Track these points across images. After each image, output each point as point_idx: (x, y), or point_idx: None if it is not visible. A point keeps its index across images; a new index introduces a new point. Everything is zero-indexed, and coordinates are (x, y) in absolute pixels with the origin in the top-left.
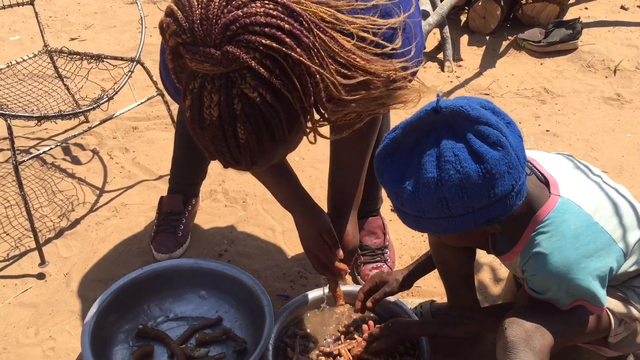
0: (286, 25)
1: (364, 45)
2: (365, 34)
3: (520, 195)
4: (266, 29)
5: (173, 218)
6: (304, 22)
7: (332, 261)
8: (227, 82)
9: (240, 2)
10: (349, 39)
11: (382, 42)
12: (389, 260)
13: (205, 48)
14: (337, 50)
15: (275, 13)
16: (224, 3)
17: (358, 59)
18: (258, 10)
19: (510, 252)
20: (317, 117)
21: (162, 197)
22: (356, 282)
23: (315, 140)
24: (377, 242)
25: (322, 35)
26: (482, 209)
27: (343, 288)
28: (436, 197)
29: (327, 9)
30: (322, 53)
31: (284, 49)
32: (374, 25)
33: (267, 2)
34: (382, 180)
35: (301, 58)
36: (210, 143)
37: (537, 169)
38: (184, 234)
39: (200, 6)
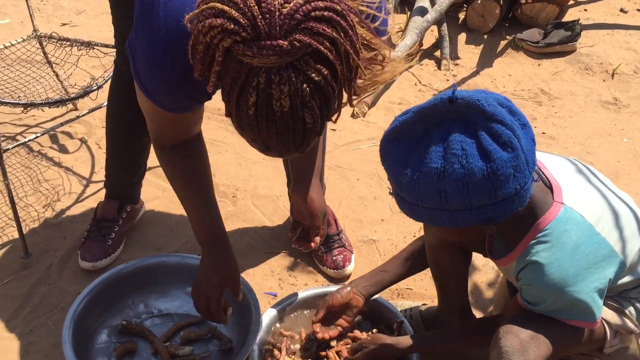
0: (337, 7)
1: (365, 20)
2: (363, 8)
3: (522, 200)
4: (325, 13)
5: (104, 225)
6: (343, 1)
7: (219, 311)
8: (294, 70)
9: None
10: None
11: (377, 14)
12: (346, 243)
13: (272, 41)
14: (359, 27)
15: None
16: None
17: (368, 35)
18: None
19: (506, 257)
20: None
21: (99, 203)
22: (322, 273)
23: (337, 119)
24: (331, 229)
25: (351, 14)
26: (481, 208)
27: (313, 291)
28: (436, 188)
29: None
30: (356, 29)
31: (340, 30)
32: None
33: None
34: (385, 161)
35: (352, 36)
36: (275, 135)
37: (542, 171)
38: (114, 243)
39: (256, 1)
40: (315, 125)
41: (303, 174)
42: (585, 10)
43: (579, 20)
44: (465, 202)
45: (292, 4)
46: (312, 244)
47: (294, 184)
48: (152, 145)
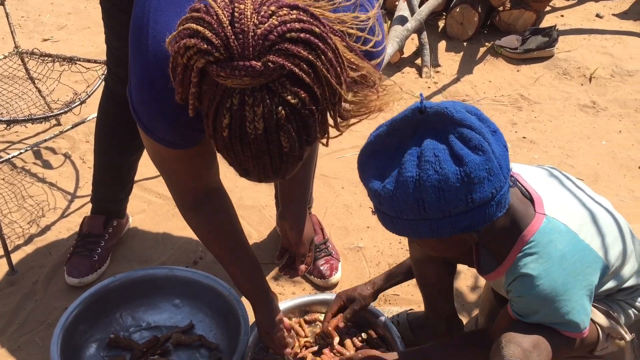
0: (316, 29)
1: (354, 43)
2: (353, 31)
3: (500, 206)
4: (302, 35)
5: (90, 240)
6: (324, 24)
7: (286, 344)
8: (268, 92)
9: (270, 11)
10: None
11: (368, 36)
12: (333, 252)
13: (245, 62)
14: (344, 49)
15: (305, 18)
16: (255, 15)
17: (354, 58)
18: (290, 17)
19: (495, 272)
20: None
21: (84, 217)
22: (310, 282)
23: (327, 142)
24: (318, 238)
25: (334, 36)
26: (459, 214)
27: (318, 297)
28: (414, 197)
29: (315, 9)
30: (339, 52)
31: (318, 52)
32: (358, 22)
33: (291, 8)
34: (363, 177)
35: (331, 58)
36: (251, 158)
37: (521, 184)
38: (100, 258)
39: (229, 22)
40: (292, 150)
41: (291, 200)
42: (562, 16)
43: (555, 26)
44: (442, 209)
45: (266, 25)
46: (298, 272)
47: (282, 210)
48: (138, 162)
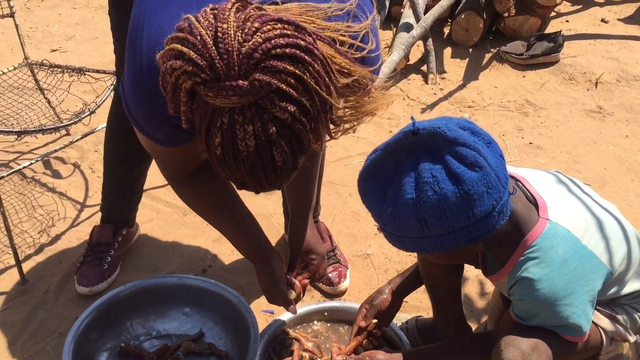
0: (301, 42)
1: (346, 50)
2: (344, 38)
3: (502, 214)
4: (287, 50)
5: (100, 249)
6: (310, 35)
7: (288, 300)
8: (257, 110)
9: (253, 28)
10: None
11: (361, 44)
12: (341, 259)
13: (231, 82)
14: (334, 57)
15: (289, 32)
16: (239, 33)
17: (346, 63)
18: (274, 32)
19: (497, 274)
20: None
21: (94, 227)
22: (318, 289)
23: (321, 147)
24: (326, 245)
25: (322, 44)
26: (463, 229)
27: (326, 305)
28: (415, 217)
29: (307, 18)
30: (328, 60)
31: (305, 65)
32: (350, 30)
33: (275, 23)
34: (365, 200)
35: (319, 70)
36: (246, 174)
37: (526, 188)
38: (110, 266)
39: (213, 42)
40: (286, 163)
41: (293, 210)
42: (567, 21)
43: (561, 31)
44: (445, 226)
45: (250, 43)
46: (293, 287)
47: (291, 223)
48: (147, 171)
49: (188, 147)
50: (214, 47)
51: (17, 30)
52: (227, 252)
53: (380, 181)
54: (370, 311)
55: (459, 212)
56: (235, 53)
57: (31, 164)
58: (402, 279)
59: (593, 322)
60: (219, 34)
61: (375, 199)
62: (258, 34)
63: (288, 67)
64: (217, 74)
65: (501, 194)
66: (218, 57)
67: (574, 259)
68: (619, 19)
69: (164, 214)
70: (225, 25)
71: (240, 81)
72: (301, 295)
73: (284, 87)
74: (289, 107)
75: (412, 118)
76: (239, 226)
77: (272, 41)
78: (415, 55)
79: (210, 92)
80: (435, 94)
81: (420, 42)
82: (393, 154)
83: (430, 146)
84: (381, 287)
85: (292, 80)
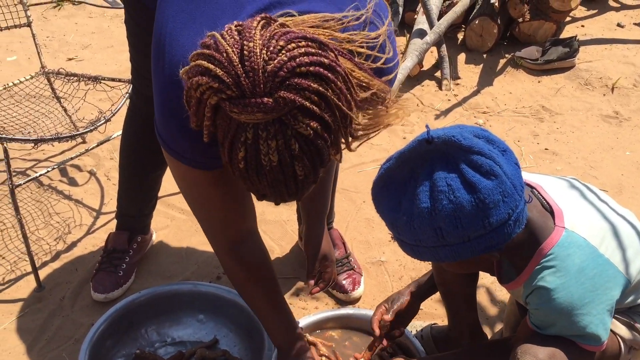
0: (325, 60)
1: (363, 61)
2: (362, 50)
3: (518, 223)
4: (311, 68)
5: (116, 256)
6: (332, 51)
7: None
8: (281, 126)
9: (278, 47)
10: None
11: (378, 54)
12: (355, 266)
13: (257, 99)
14: (353, 71)
15: (313, 50)
16: (264, 51)
17: (365, 77)
18: (299, 51)
19: (513, 282)
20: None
21: (109, 234)
22: (332, 296)
23: (340, 158)
24: (340, 252)
25: (342, 59)
26: (479, 238)
27: (340, 312)
28: (431, 226)
29: (324, 30)
30: (349, 76)
31: (328, 83)
32: (368, 39)
33: (299, 40)
34: (379, 209)
35: (341, 86)
36: (267, 187)
37: (542, 196)
38: (125, 273)
39: (239, 59)
40: (307, 177)
41: (308, 216)
42: (583, 26)
43: (576, 36)
44: (461, 235)
45: (276, 61)
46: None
47: (306, 231)
48: (161, 178)
49: (227, 183)
50: (239, 65)
51: (34, 39)
52: None
53: (394, 190)
54: (390, 308)
55: (474, 221)
56: (260, 71)
57: (48, 171)
58: (419, 284)
59: (611, 330)
60: (245, 51)
61: (389, 208)
62: (283, 52)
63: (312, 84)
64: (243, 91)
65: (517, 202)
66: (244, 75)
67: (591, 267)
68: (635, 24)
69: (178, 221)
70: (251, 44)
71: (266, 99)
72: None
73: (308, 104)
74: (311, 124)
75: (426, 126)
76: (280, 313)
77: (297, 60)
78: (429, 61)
79: (236, 109)
80: (449, 100)
81: (434, 48)
82: (407, 163)
83: (445, 155)
84: (401, 290)
85: (315, 98)
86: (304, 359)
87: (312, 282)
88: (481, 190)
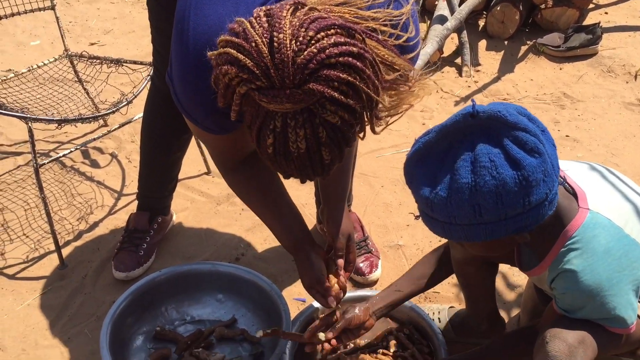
0: (353, 49)
1: (387, 39)
2: (386, 28)
3: (552, 204)
4: (340, 59)
5: (137, 236)
6: (360, 36)
7: (328, 294)
8: (309, 115)
9: (308, 37)
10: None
11: (401, 33)
12: (373, 249)
13: (286, 90)
14: (377, 49)
15: (342, 40)
16: (294, 42)
17: (389, 55)
18: (328, 41)
19: (537, 267)
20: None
21: (130, 214)
22: (350, 278)
23: (364, 136)
24: (358, 235)
25: (370, 42)
26: (515, 217)
27: (357, 294)
28: (469, 203)
29: (350, 8)
30: (376, 60)
31: (357, 71)
32: (392, 17)
33: (328, 29)
34: (412, 185)
35: (370, 74)
36: (295, 170)
37: (563, 178)
38: (146, 253)
39: (269, 51)
40: (333, 160)
41: (329, 197)
42: (606, 13)
43: (599, 23)
44: (500, 213)
45: (305, 53)
46: (339, 271)
47: (322, 207)
48: (182, 160)
49: (237, 137)
50: (269, 57)
51: (58, 22)
52: (260, 241)
53: (432, 164)
54: (337, 323)
55: (515, 199)
56: (290, 63)
57: (70, 152)
58: (382, 301)
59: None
60: (275, 43)
61: (424, 183)
62: (312, 42)
63: (341, 75)
64: (272, 83)
65: (554, 183)
66: (273, 67)
67: (617, 248)
68: None
69: (198, 203)
70: (281, 35)
71: (295, 90)
72: (341, 295)
73: (337, 95)
74: (339, 112)
75: (472, 100)
76: (282, 217)
77: (327, 51)
78: (450, 47)
79: (265, 98)
80: (469, 86)
81: (455, 35)
82: (447, 137)
83: (489, 130)
84: (359, 305)
85: (344, 87)
86: (313, 269)
87: (340, 261)
88: (525, 167)
